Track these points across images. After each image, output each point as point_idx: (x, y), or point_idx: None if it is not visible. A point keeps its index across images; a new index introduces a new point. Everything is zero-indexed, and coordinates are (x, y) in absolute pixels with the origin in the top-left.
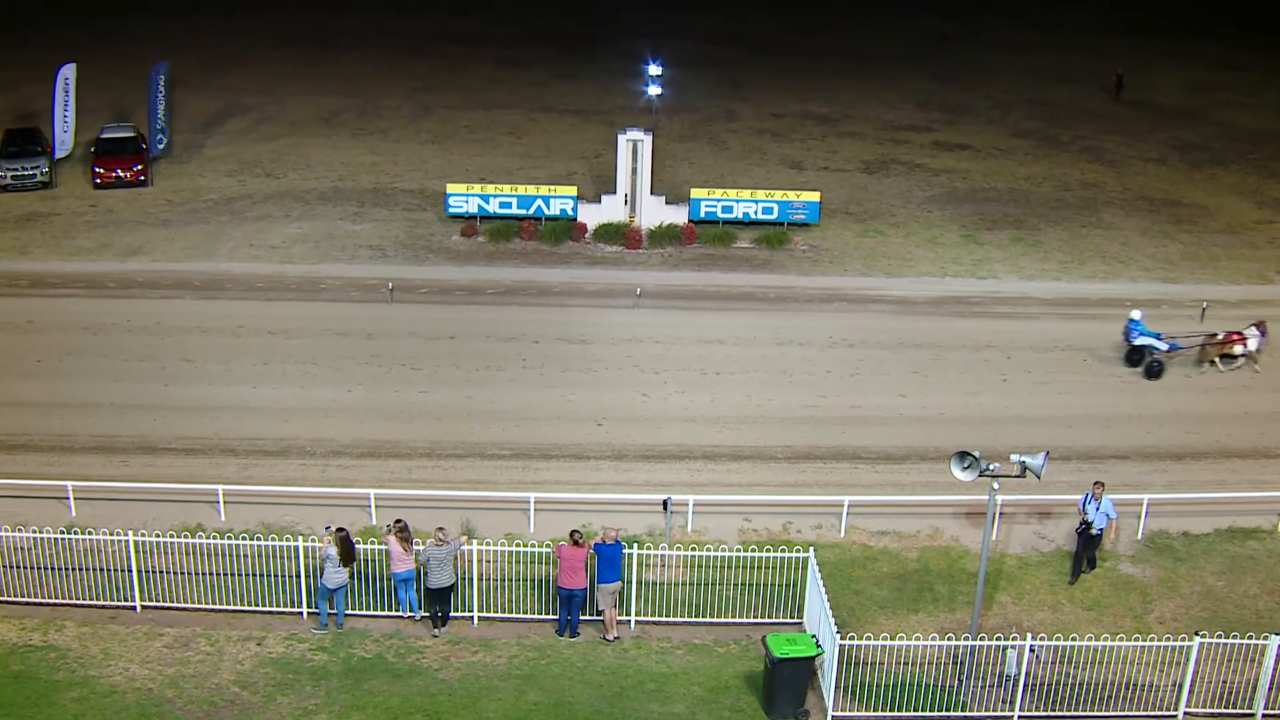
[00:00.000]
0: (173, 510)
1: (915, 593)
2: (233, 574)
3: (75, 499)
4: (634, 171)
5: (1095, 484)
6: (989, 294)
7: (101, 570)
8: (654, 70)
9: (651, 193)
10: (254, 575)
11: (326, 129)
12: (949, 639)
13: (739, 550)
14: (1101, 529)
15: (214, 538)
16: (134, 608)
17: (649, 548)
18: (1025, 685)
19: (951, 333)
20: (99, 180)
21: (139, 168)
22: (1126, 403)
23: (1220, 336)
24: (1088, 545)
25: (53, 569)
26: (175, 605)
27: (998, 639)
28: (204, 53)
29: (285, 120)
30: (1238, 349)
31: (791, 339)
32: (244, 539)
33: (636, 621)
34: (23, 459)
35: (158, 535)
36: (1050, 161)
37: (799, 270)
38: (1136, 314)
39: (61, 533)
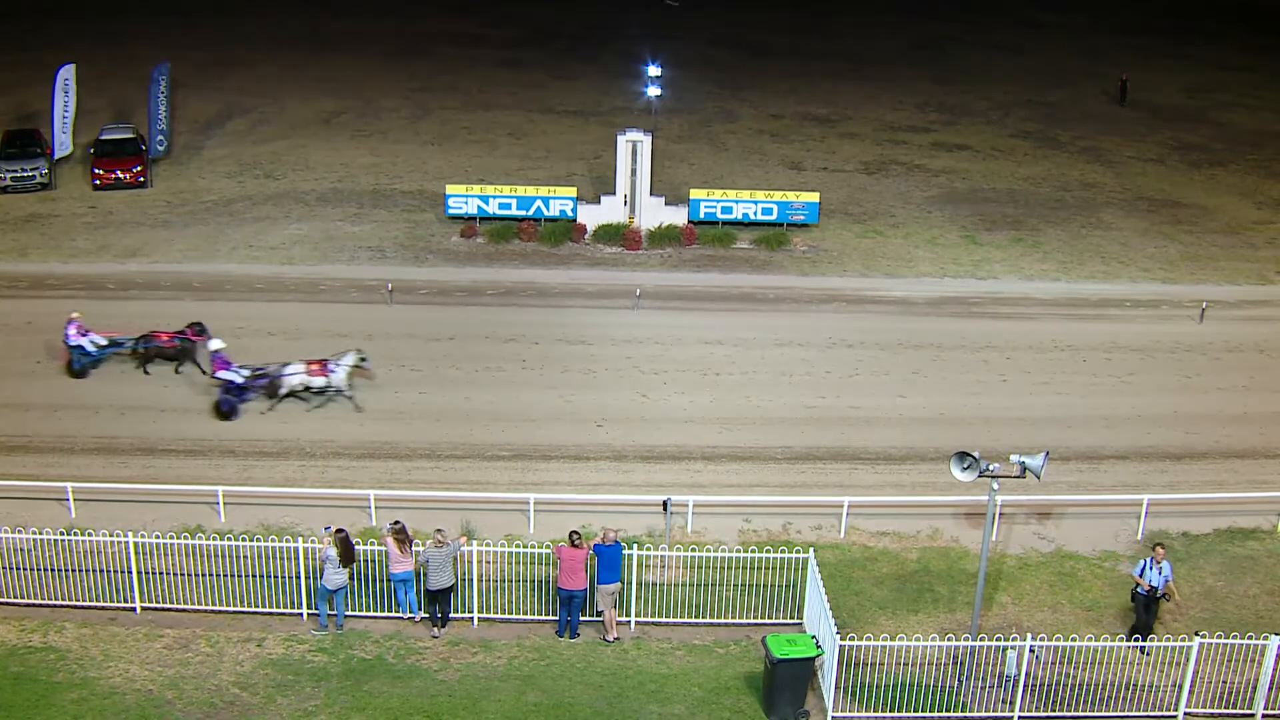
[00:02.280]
0: (172, 511)
1: (915, 593)
2: (233, 575)
3: (75, 500)
4: (633, 172)
5: (1156, 547)
6: (988, 294)
7: (101, 572)
8: (653, 71)
9: (651, 194)
10: (254, 576)
11: (326, 130)
12: (949, 639)
13: (739, 551)
14: (1164, 593)
15: (214, 539)
16: (134, 609)
17: (649, 548)
18: (1025, 686)
19: (951, 333)
20: (98, 181)
21: (138, 169)
22: (1126, 403)
23: None
24: (1149, 610)
25: (53, 570)
26: (175, 606)
27: (998, 639)
28: (203, 54)
29: (285, 121)
30: None
31: (791, 340)
32: (244, 540)
33: (636, 622)
34: (23, 460)
35: (157, 536)
36: (1049, 162)
37: (798, 271)
38: None
39: (61, 534)
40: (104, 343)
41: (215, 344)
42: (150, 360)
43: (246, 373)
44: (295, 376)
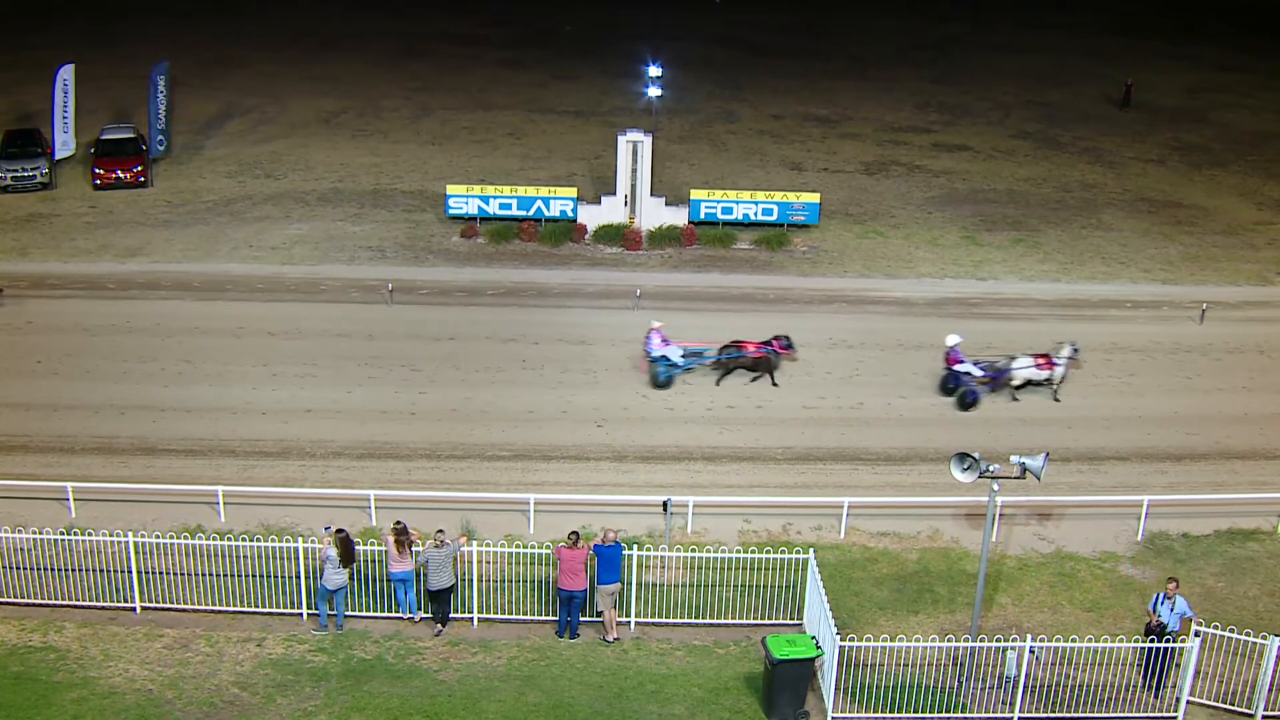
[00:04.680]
0: (172, 511)
1: (915, 594)
2: (233, 575)
3: (75, 500)
4: (634, 173)
5: (1169, 581)
6: (989, 295)
7: (101, 571)
8: (654, 71)
9: (651, 194)
10: (254, 576)
11: (326, 130)
12: (949, 640)
13: (739, 551)
14: (1175, 631)
15: (214, 539)
16: (134, 609)
17: (649, 549)
18: (1025, 686)
19: (951, 334)
20: (99, 181)
21: (139, 169)
22: (1126, 404)
23: None
24: (1163, 654)
25: (53, 570)
26: (175, 606)
27: (998, 640)
28: (204, 54)
29: (285, 121)
30: None
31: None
32: (244, 540)
33: (636, 623)
34: (23, 460)
35: (157, 536)
36: (1050, 163)
37: (799, 271)
38: None
39: (61, 534)
40: (685, 352)
41: (953, 339)
42: (731, 371)
43: (979, 367)
44: (1024, 370)
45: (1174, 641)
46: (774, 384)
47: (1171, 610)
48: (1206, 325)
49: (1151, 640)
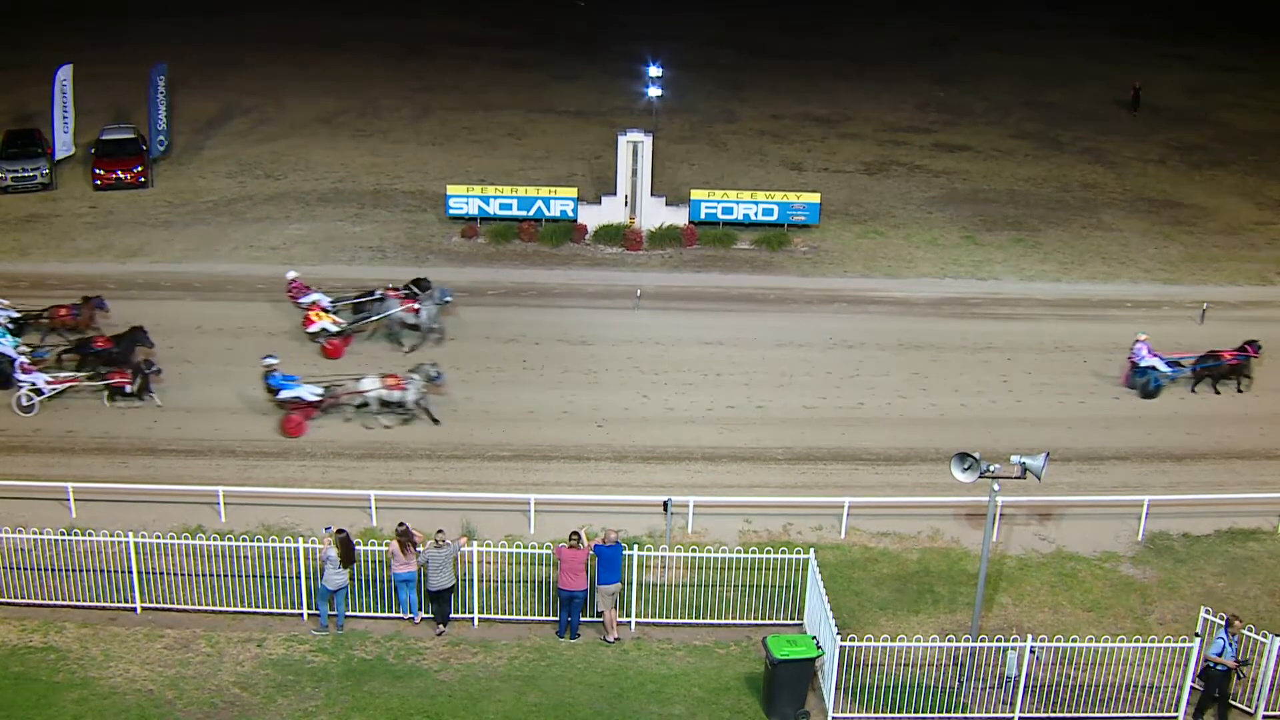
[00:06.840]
0: (173, 511)
1: (915, 594)
2: (233, 575)
3: (75, 500)
4: (634, 173)
5: (1234, 620)
6: (989, 295)
7: (102, 572)
8: (654, 71)
9: (651, 194)
10: (254, 577)
11: (326, 130)
12: (949, 640)
13: (739, 552)
14: (1245, 661)
15: (214, 539)
16: (134, 609)
17: (649, 549)
18: (1026, 686)
19: (951, 334)
20: (99, 181)
21: (139, 169)
22: (1126, 404)
23: None
24: (1225, 683)
25: (53, 570)
26: (175, 607)
27: (998, 640)
28: (204, 54)
29: (285, 122)
30: None
31: (791, 340)
32: (244, 540)
33: (637, 623)
34: (23, 460)
35: (158, 536)
36: (1050, 163)
37: (799, 271)
38: None
39: (62, 534)
40: (1169, 362)
41: None
42: (1216, 380)
43: None
44: None
45: (1240, 675)
46: (1241, 389)
47: (1237, 643)
48: (1207, 325)
49: (1210, 681)
